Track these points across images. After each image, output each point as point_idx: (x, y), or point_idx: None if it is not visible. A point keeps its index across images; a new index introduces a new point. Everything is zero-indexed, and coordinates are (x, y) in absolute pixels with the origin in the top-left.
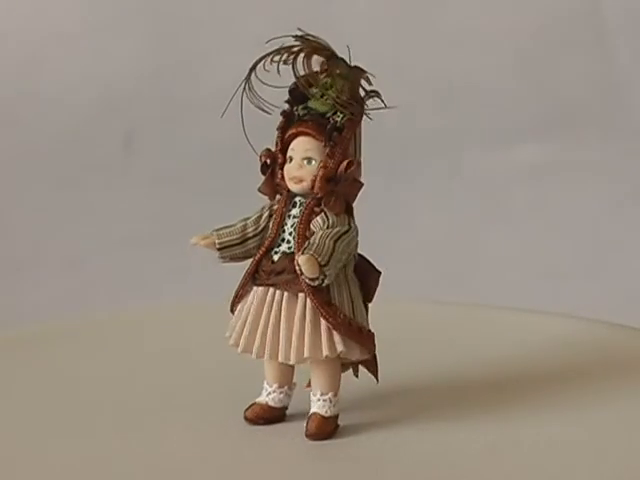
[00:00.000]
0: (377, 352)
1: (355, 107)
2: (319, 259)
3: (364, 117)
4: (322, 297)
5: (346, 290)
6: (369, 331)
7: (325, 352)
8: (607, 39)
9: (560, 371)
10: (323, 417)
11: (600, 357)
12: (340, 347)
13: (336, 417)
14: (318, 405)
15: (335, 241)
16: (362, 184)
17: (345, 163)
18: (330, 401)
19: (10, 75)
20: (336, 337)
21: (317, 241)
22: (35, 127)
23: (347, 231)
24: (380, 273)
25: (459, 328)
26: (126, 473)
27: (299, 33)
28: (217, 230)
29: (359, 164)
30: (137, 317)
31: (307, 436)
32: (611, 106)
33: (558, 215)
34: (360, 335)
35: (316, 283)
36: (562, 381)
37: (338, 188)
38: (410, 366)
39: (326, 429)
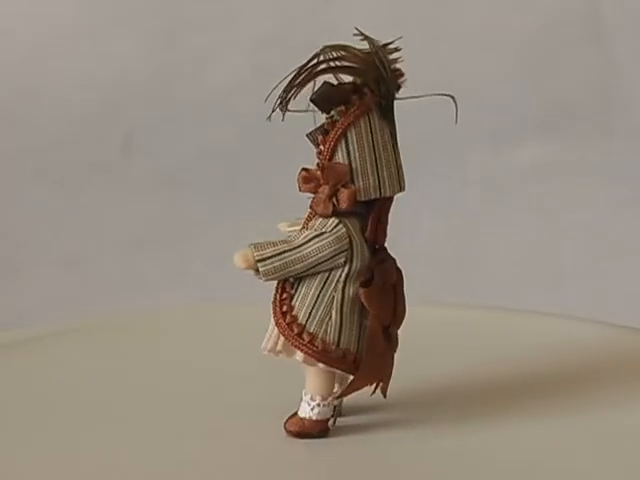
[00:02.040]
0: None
1: (330, 107)
2: (255, 253)
3: (361, 119)
4: (282, 293)
5: (313, 294)
6: (319, 344)
7: (269, 347)
8: (607, 39)
9: (569, 374)
10: (299, 417)
11: (610, 360)
12: (279, 347)
13: (316, 421)
14: (301, 404)
15: (306, 241)
16: (351, 190)
17: (320, 166)
18: (308, 404)
19: (10, 75)
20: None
21: (288, 238)
22: (35, 127)
23: (319, 234)
24: (364, 287)
25: (459, 330)
26: (131, 475)
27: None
28: (295, 219)
29: (336, 169)
30: (137, 318)
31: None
32: (611, 106)
33: (559, 215)
34: (300, 341)
35: (257, 277)
36: (572, 385)
37: (321, 190)
38: (414, 369)
39: (297, 429)
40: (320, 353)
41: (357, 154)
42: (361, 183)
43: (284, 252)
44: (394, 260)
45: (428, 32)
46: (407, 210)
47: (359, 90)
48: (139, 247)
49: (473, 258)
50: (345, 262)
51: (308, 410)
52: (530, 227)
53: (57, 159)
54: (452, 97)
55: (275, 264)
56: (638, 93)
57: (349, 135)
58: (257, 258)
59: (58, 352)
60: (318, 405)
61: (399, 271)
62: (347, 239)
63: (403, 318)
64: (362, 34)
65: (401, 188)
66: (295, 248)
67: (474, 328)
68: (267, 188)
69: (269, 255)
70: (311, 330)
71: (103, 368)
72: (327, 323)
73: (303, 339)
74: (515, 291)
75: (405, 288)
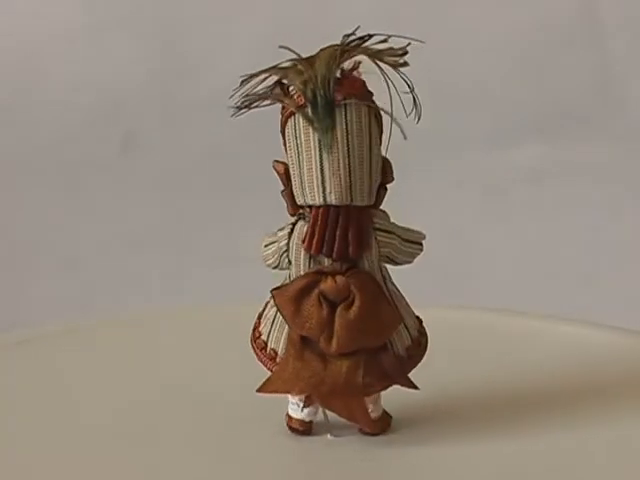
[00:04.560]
0: None
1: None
2: (265, 239)
3: (289, 121)
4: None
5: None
6: (257, 334)
7: None
8: (606, 39)
9: (569, 378)
10: (288, 413)
11: (611, 363)
12: None
13: (290, 417)
14: None
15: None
16: (287, 192)
17: None
18: (291, 402)
19: (10, 75)
20: None
21: None
22: (35, 127)
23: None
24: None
25: (456, 331)
26: (132, 473)
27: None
28: None
29: (275, 168)
30: (137, 318)
31: None
32: (610, 107)
33: (557, 216)
34: (253, 329)
35: None
36: (572, 391)
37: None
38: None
39: (285, 419)
40: (255, 343)
41: (288, 155)
42: (294, 186)
43: (273, 243)
44: (362, 284)
45: (427, 32)
46: (404, 210)
47: (289, 91)
48: (139, 247)
49: (470, 259)
50: (289, 264)
51: (288, 404)
52: (528, 228)
53: (57, 159)
54: (389, 113)
55: (266, 252)
56: (636, 94)
57: (285, 134)
58: (263, 243)
59: (58, 352)
60: (290, 402)
61: (364, 298)
62: (285, 241)
63: (351, 343)
64: (349, 34)
65: (325, 200)
66: (276, 241)
67: (470, 329)
68: (267, 188)
69: (268, 242)
70: (259, 321)
71: (103, 368)
72: (266, 319)
73: (254, 328)
74: (513, 292)
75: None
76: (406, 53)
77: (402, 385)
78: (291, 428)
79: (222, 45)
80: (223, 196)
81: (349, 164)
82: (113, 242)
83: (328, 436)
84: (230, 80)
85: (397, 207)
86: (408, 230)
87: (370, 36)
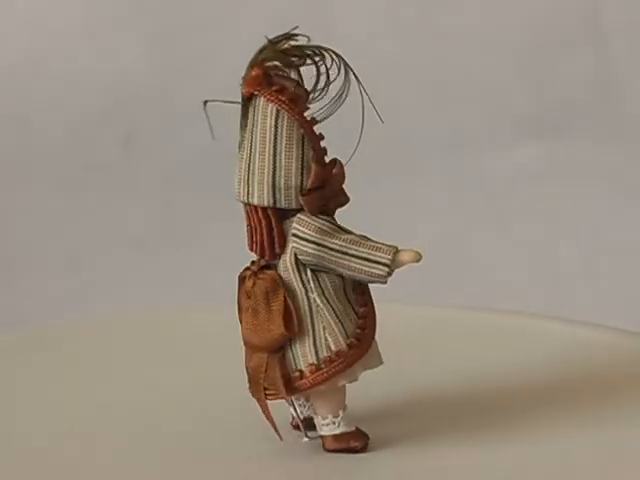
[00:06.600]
0: None
1: None
2: None
3: None
4: None
5: None
6: None
7: None
8: (607, 39)
9: (568, 380)
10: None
11: (611, 365)
12: None
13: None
14: None
15: None
16: None
17: None
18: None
19: (10, 75)
20: None
21: None
22: (35, 127)
23: None
24: None
25: (456, 332)
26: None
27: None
28: None
29: None
30: (138, 318)
31: None
32: (610, 107)
33: (557, 216)
34: None
35: None
36: (572, 392)
37: None
38: (407, 370)
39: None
40: None
41: None
42: None
43: None
44: (259, 287)
45: (428, 31)
46: (404, 210)
47: None
48: (139, 247)
49: (469, 259)
50: None
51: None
52: (528, 228)
53: (57, 159)
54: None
55: None
56: (636, 94)
57: None
58: None
59: (58, 352)
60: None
61: (255, 302)
62: None
63: (245, 341)
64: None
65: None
66: None
67: (469, 329)
68: None
69: None
70: None
71: (103, 368)
72: None
73: None
74: (513, 292)
75: (397, 289)
76: (297, 52)
77: (287, 401)
78: (291, 424)
79: (222, 45)
80: (223, 196)
81: (249, 163)
82: (113, 242)
83: (304, 438)
84: (230, 80)
85: (394, 207)
86: (358, 243)
87: (295, 35)
